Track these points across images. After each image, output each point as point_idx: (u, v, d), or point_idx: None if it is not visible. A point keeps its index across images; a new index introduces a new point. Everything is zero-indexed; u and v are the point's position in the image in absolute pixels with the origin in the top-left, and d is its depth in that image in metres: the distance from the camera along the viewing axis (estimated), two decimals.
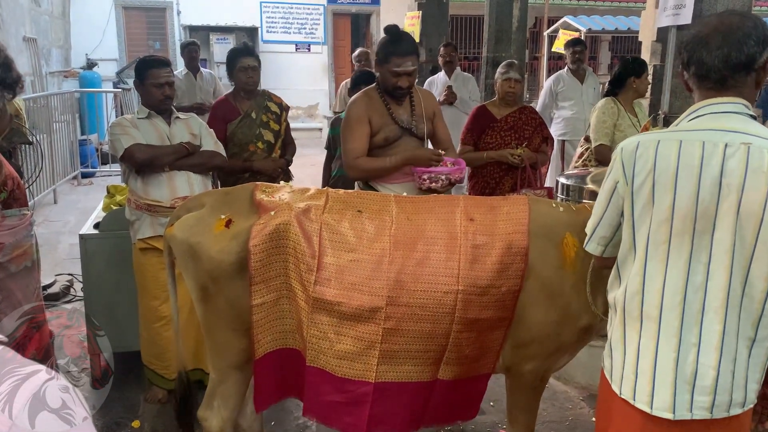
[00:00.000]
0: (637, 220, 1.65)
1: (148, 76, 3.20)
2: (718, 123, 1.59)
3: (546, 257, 2.28)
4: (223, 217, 2.32)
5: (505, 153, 4.11)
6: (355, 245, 2.25)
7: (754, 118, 1.62)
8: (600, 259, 1.85)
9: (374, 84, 3.19)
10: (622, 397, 1.70)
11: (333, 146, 4.55)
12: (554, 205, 2.46)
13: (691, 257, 1.58)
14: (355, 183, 3.30)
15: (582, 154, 4.42)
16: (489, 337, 2.31)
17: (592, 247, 1.81)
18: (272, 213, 2.28)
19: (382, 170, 3.05)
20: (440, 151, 3.09)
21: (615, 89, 4.24)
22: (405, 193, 3.01)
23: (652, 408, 1.63)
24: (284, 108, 4.00)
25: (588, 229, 1.83)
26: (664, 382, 1.62)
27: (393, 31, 3.08)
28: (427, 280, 2.21)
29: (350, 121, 3.06)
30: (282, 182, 3.78)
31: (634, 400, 1.67)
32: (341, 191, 2.48)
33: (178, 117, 3.35)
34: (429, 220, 2.32)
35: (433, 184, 3.00)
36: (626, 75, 4.18)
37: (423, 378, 2.31)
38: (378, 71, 3.10)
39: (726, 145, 1.54)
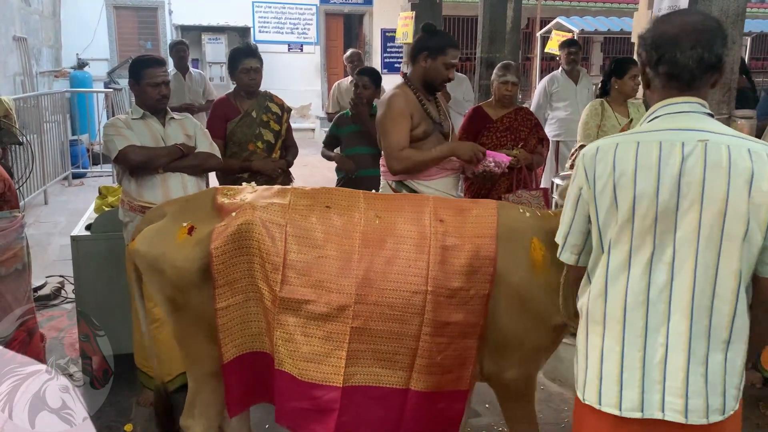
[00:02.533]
0: (602, 225, 1.65)
1: (144, 75, 3.16)
2: (675, 122, 1.60)
3: (515, 262, 2.26)
4: (185, 224, 2.28)
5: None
6: (322, 242, 2.21)
7: (711, 116, 1.63)
8: (575, 269, 1.81)
9: (403, 82, 3.20)
10: (586, 402, 1.68)
11: (334, 144, 4.50)
12: (521, 210, 2.46)
13: (652, 257, 1.58)
14: (385, 182, 3.30)
15: (573, 154, 4.46)
16: (461, 345, 2.26)
17: (566, 256, 1.79)
18: (234, 214, 2.23)
19: (428, 161, 3.07)
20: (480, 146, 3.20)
21: (604, 90, 4.32)
22: (449, 188, 3.15)
23: (621, 410, 1.61)
24: (286, 109, 3.96)
25: (559, 239, 1.80)
26: (631, 381, 1.60)
27: (434, 27, 3.23)
28: (396, 279, 2.17)
29: (394, 115, 3.05)
30: (279, 184, 3.76)
31: (600, 404, 1.64)
32: (307, 188, 2.43)
33: (172, 117, 3.32)
34: (398, 219, 2.29)
35: (496, 168, 3.14)
36: (610, 76, 4.25)
37: (393, 383, 2.24)
38: (425, 64, 3.12)
39: (683, 144, 1.55)
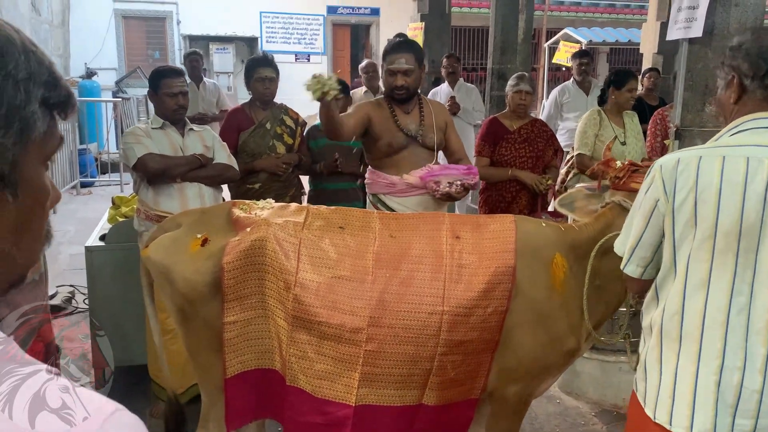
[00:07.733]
0: (678, 239, 1.61)
1: (162, 85, 3.18)
2: (762, 138, 1.57)
3: (534, 277, 2.22)
4: (199, 236, 2.25)
5: (534, 179, 4.03)
6: (336, 262, 2.17)
7: None
8: (638, 282, 1.77)
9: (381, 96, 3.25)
10: (657, 422, 1.64)
11: (312, 158, 4.12)
12: (544, 224, 2.42)
13: (735, 276, 1.54)
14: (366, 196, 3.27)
15: (569, 161, 4.49)
16: (475, 360, 2.22)
17: (631, 269, 1.75)
18: (248, 229, 2.21)
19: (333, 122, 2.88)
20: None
21: (602, 100, 4.36)
22: (421, 208, 2.99)
23: None
24: (300, 123, 3.97)
25: (623, 251, 1.77)
26: (704, 405, 1.57)
27: (396, 36, 3.22)
28: (412, 300, 2.13)
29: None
30: (290, 197, 3.74)
31: (671, 425, 1.61)
32: (323, 208, 2.42)
33: (191, 128, 3.33)
34: (414, 238, 2.26)
35: (450, 188, 2.95)
36: (609, 86, 4.28)
37: (406, 402, 2.21)
38: (382, 76, 3.20)
39: None
